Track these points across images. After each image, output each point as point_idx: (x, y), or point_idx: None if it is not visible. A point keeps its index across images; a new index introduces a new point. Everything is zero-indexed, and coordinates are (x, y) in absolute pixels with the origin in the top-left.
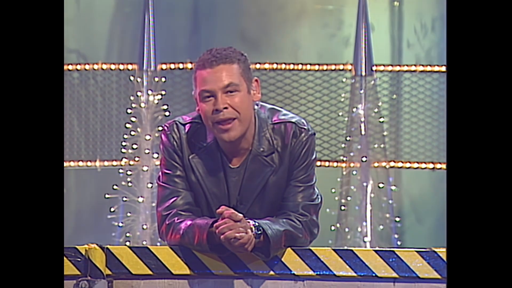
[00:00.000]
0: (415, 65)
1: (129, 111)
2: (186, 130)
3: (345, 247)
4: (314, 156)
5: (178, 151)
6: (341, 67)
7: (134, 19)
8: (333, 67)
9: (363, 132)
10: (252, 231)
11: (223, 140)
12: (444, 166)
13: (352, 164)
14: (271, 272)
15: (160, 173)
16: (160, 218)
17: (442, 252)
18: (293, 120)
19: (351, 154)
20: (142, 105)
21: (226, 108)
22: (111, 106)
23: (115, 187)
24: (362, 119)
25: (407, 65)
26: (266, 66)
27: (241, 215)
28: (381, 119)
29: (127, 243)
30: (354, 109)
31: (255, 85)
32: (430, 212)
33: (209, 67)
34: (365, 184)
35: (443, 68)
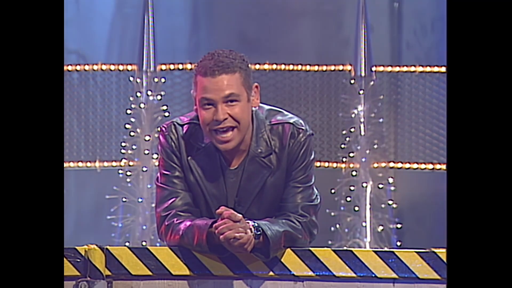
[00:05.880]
0: (414, 66)
1: (128, 111)
2: (184, 131)
3: (345, 248)
4: (312, 157)
5: (176, 152)
6: (340, 67)
7: (134, 20)
8: (332, 67)
9: (362, 133)
10: (251, 232)
11: (219, 148)
12: (444, 166)
13: (351, 165)
14: (271, 273)
15: (158, 174)
16: (159, 219)
17: (441, 252)
18: (291, 120)
19: (351, 154)
20: (142, 105)
21: (226, 118)
22: (110, 107)
23: (114, 187)
24: (362, 120)
25: (406, 66)
26: (266, 66)
27: (240, 215)
28: (381, 120)
29: (127, 244)
30: (354, 110)
31: (255, 91)
32: (430, 213)
33: (210, 76)
34: (364, 184)
35: (443, 69)
